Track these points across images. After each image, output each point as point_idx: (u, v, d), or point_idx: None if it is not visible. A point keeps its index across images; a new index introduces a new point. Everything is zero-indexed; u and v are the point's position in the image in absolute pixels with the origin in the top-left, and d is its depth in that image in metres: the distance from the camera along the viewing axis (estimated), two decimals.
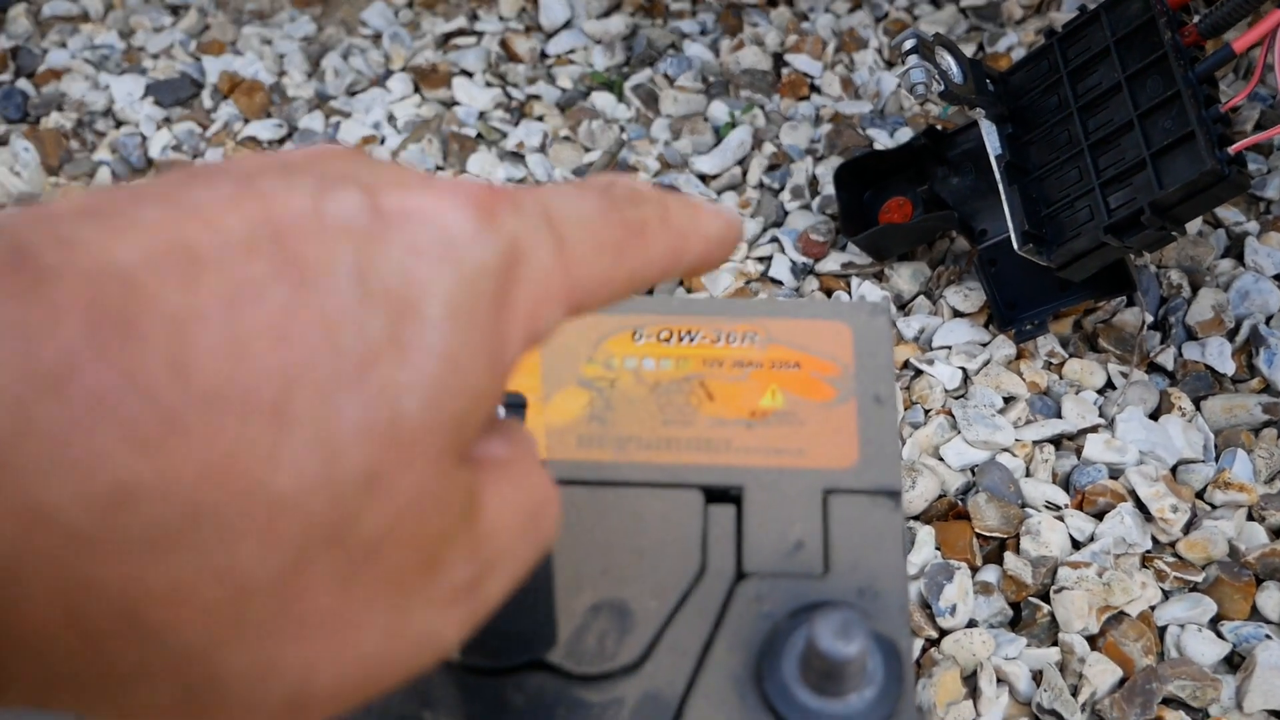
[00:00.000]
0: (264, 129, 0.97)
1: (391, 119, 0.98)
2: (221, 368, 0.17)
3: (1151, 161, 0.65)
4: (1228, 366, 0.76)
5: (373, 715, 0.33)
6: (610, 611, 0.34)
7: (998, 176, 0.70)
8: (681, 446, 0.37)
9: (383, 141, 0.96)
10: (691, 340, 0.40)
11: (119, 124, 0.99)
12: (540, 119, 0.97)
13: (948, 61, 0.69)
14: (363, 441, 0.18)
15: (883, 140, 0.91)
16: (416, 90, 1.00)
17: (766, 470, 0.37)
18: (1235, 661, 0.64)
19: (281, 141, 0.97)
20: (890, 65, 0.99)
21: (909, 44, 0.68)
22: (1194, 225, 0.83)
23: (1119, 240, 0.66)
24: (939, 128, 0.82)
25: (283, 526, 0.17)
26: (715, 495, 0.37)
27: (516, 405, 0.38)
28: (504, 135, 0.96)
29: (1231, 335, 0.77)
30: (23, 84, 1.02)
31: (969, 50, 0.96)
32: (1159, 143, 0.64)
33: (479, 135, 0.96)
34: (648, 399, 0.38)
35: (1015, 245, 0.68)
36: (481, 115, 0.98)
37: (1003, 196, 0.69)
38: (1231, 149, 0.62)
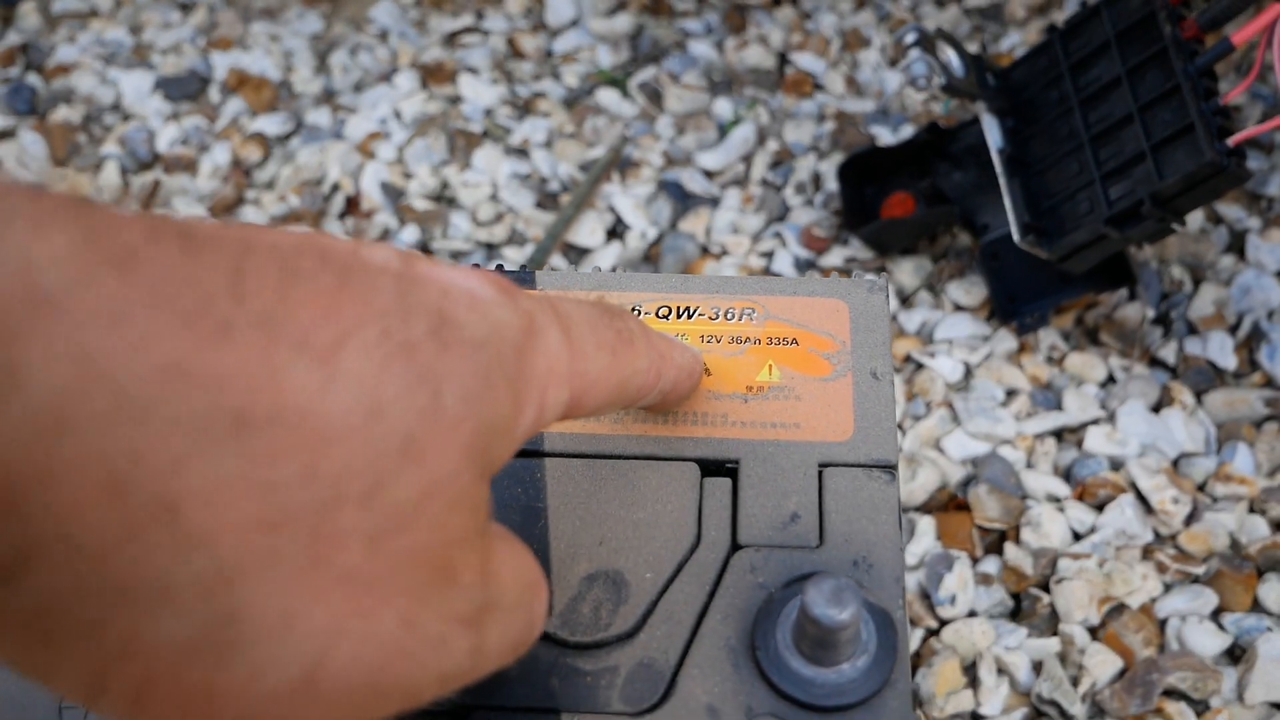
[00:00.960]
0: (271, 124, 0.97)
1: (398, 115, 0.98)
2: (274, 299, 0.18)
3: (1151, 154, 0.65)
4: (1229, 361, 0.76)
5: None
6: (606, 582, 0.34)
7: (998, 169, 0.70)
8: (678, 420, 0.38)
9: (389, 137, 0.96)
10: (690, 316, 0.40)
11: (127, 118, 0.99)
12: (545, 115, 0.97)
13: (949, 55, 0.70)
14: (404, 407, 0.19)
15: (886, 138, 0.91)
16: (423, 86, 1.01)
17: (762, 444, 0.37)
18: (1236, 654, 0.63)
19: (288, 137, 0.97)
20: (893, 64, 0.99)
21: (911, 37, 0.68)
22: (1196, 222, 0.83)
23: (1119, 232, 0.66)
24: (941, 124, 0.83)
25: (324, 459, 0.18)
26: (711, 468, 0.37)
27: None
28: (509, 131, 0.96)
29: (1233, 330, 0.78)
30: (32, 79, 1.03)
31: (972, 49, 0.97)
32: (1159, 135, 0.65)
33: (485, 131, 0.97)
34: None
35: (1015, 238, 0.69)
36: (487, 112, 0.98)
37: (1003, 189, 0.70)
38: (1231, 141, 0.62)
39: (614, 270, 0.42)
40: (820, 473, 0.36)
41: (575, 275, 0.42)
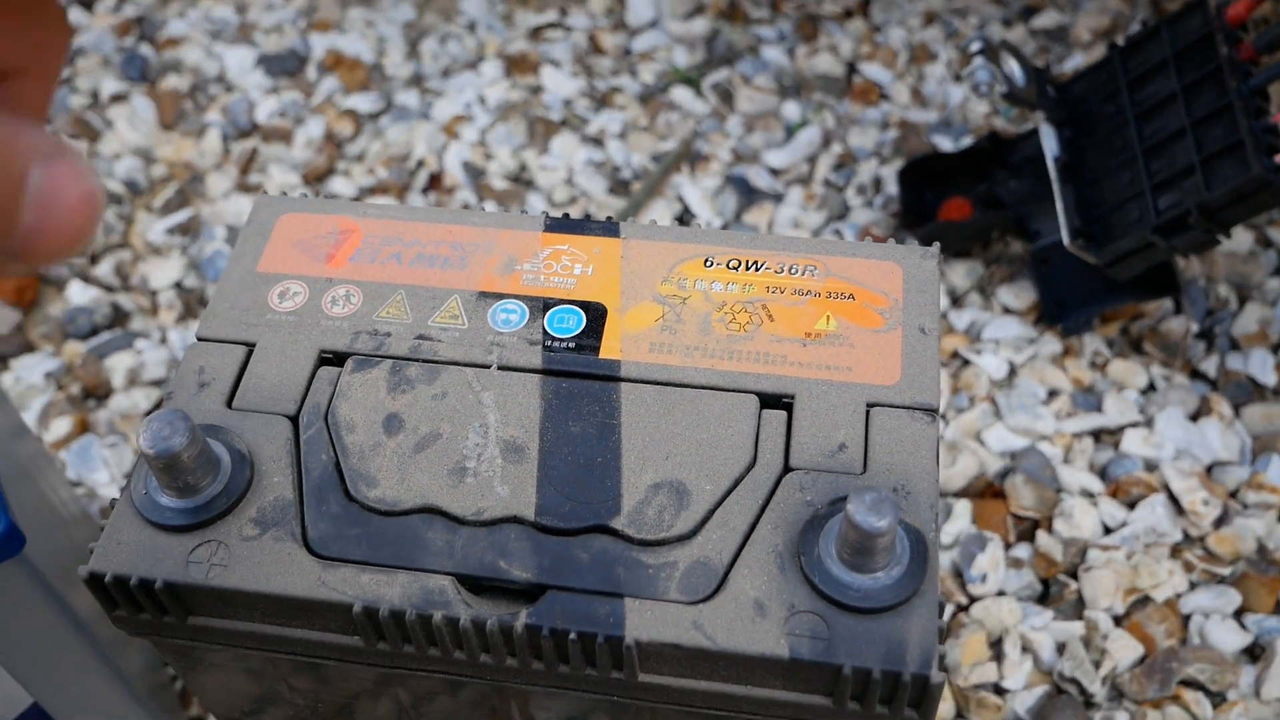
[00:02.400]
0: (363, 101, 1.03)
1: (482, 100, 1.03)
2: None
3: (1201, 167, 0.68)
4: (1270, 378, 0.78)
5: (453, 560, 0.38)
6: (670, 490, 0.39)
7: (1053, 176, 0.74)
8: (742, 358, 0.42)
9: (472, 120, 1.01)
10: (757, 269, 0.44)
11: (230, 89, 1.05)
12: (621, 109, 1.02)
13: (1011, 65, 0.73)
14: None
15: (946, 147, 0.95)
16: (507, 75, 1.06)
17: (817, 382, 0.41)
18: (1256, 653, 0.66)
19: (378, 115, 1.03)
20: (958, 78, 1.03)
21: (976, 45, 0.72)
22: (1245, 244, 0.86)
23: (1165, 240, 0.69)
24: (1001, 134, 0.86)
25: None
26: (769, 401, 0.41)
27: (597, 314, 0.43)
28: (586, 122, 1.01)
29: (1275, 349, 0.80)
30: (144, 49, 1.09)
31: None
32: (1209, 150, 0.68)
33: (563, 120, 1.01)
34: (714, 316, 0.43)
35: (1065, 241, 0.72)
36: (567, 102, 1.03)
37: (1056, 194, 0.73)
38: (1278, 158, 0.65)
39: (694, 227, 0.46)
40: (868, 411, 0.40)
41: (657, 228, 0.46)
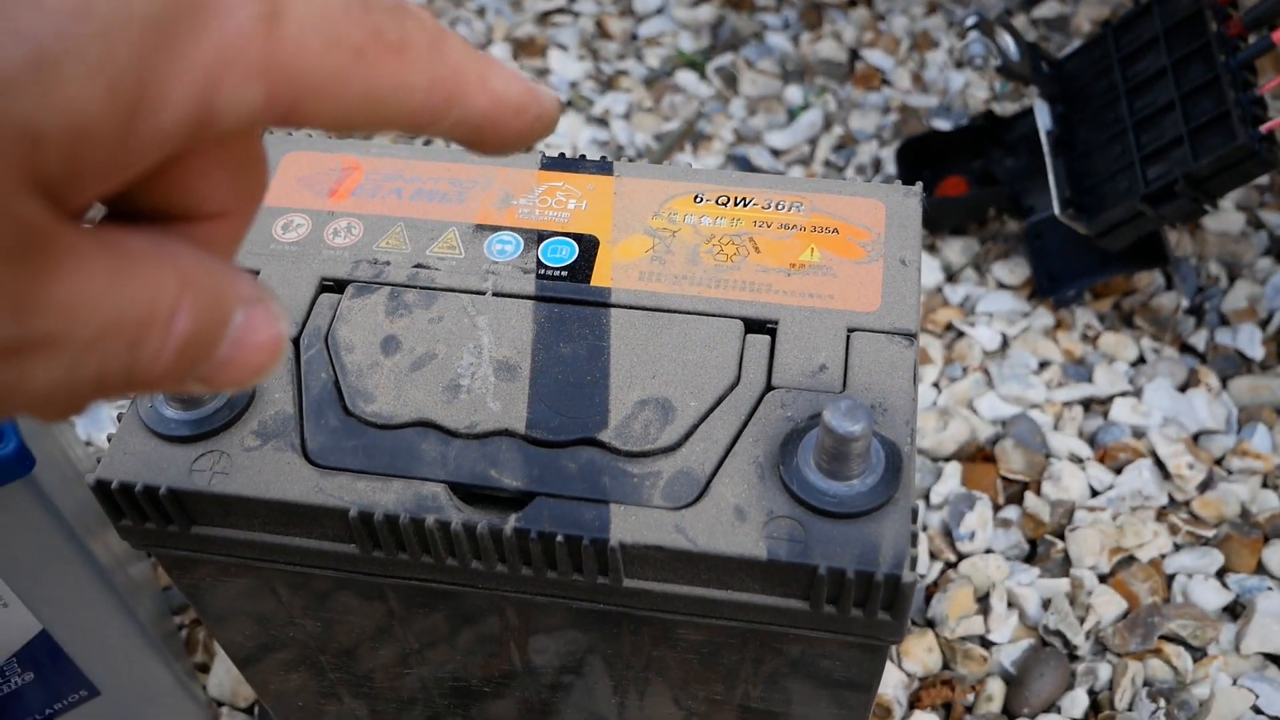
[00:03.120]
0: None
1: None
2: None
3: (1189, 138, 0.69)
4: (1257, 352, 0.79)
5: (446, 470, 0.39)
6: (656, 406, 0.40)
7: (1045, 149, 0.75)
8: (728, 286, 0.43)
9: None
10: (745, 205, 0.46)
11: None
12: (627, 91, 1.04)
13: (1006, 40, 0.75)
14: None
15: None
16: (514, 58, 1.08)
17: (800, 309, 0.42)
18: (1237, 611, 0.67)
19: None
20: (960, 65, 1.04)
21: (971, 20, 0.73)
22: (1237, 224, 0.87)
23: (1154, 210, 0.70)
24: (997, 113, 0.88)
25: None
26: (754, 326, 0.42)
27: (589, 245, 0.44)
28: (591, 103, 1.03)
29: (1264, 325, 0.81)
30: None
31: None
32: (1196, 121, 0.69)
33: (569, 101, 1.03)
34: (703, 247, 0.44)
35: (1056, 211, 0.73)
36: (573, 84, 1.05)
37: (1049, 166, 0.75)
38: (1263, 128, 0.66)
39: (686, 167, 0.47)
40: (848, 335, 0.42)
41: (649, 167, 0.48)
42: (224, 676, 0.66)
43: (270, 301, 0.21)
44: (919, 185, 0.46)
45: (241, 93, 0.18)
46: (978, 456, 0.74)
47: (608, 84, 1.05)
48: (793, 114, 1.01)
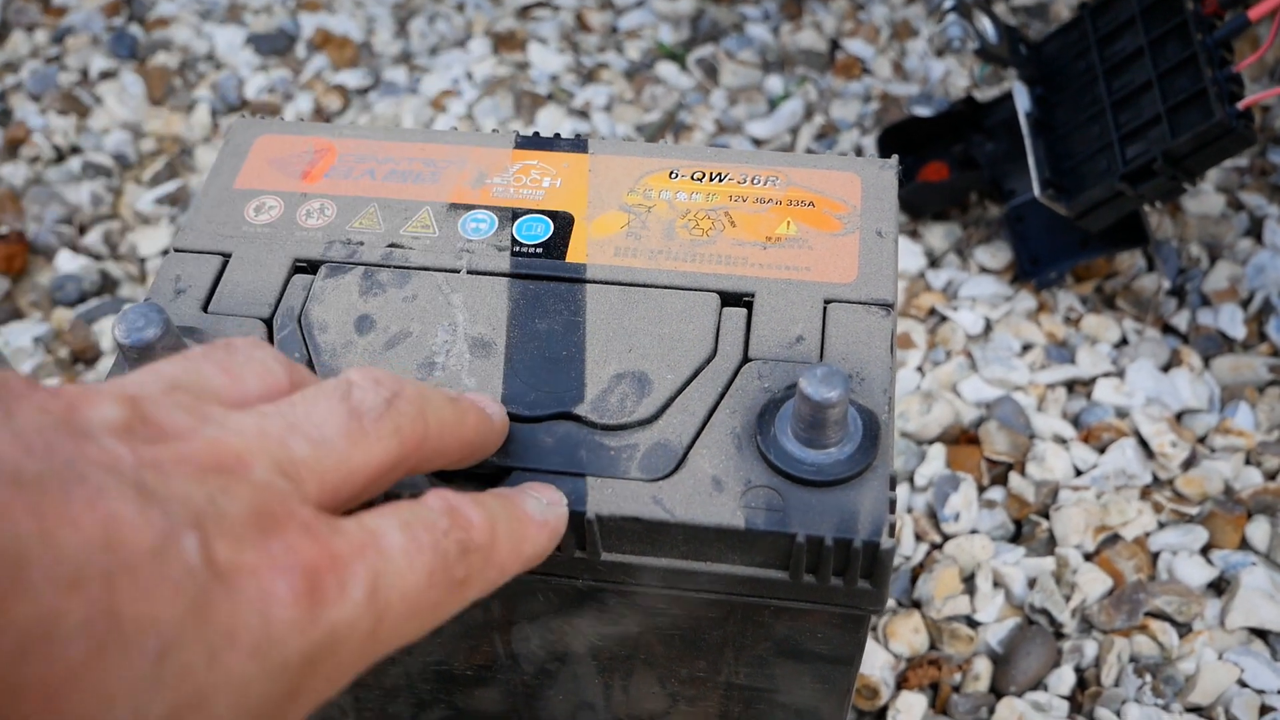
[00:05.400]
0: (352, 78, 1.05)
1: (469, 76, 1.05)
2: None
3: (1167, 116, 0.69)
4: (1239, 332, 0.80)
5: None
6: (632, 379, 0.40)
7: (1025, 131, 0.75)
8: (704, 260, 0.43)
9: (460, 95, 1.03)
10: (721, 180, 0.46)
11: (219, 67, 1.07)
12: (607, 83, 1.04)
13: (984, 23, 0.75)
14: None
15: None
16: (494, 52, 1.08)
17: (776, 281, 0.42)
18: (1221, 587, 0.67)
19: (366, 90, 1.05)
20: (940, 54, 1.04)
21: (950, 2, 0.73)
22: (1217, 206, 0.87)
23: (1133, 189, 0.70)
24: (976, 98, 0.88)
25: None
26: (730, 299, 0.42)
27: (564, 222, 0.44)
28: (572, 95, 1.03)
29: (1245, 305, 0.81)
30: (134, 29, 1.11)
31: None
32: (1174, 99, 0.69)
33: (549, 94, 1.03)
34: (679, 222, 0.44)
35: (1036, 192, 0.73)
36: (553, 77, 1.05)
37: (1028, 148, 0.75)
38: (1240, 105, 0.66)
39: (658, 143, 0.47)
40: (825, 306, 0.42)
41: (625, 144, 0.47)
42: None
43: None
44: (895, 158, 0.46)
45: (340, 686, 0.22)
46: (962, 439, 0.74)
47: (588, 76, 1.05)
48: (773, 104, 1.01)
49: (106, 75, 1.06)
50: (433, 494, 0.26)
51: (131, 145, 1.00)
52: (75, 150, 1.00)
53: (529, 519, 0.29)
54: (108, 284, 0.90)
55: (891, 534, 0.36)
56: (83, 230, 0.94)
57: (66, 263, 0.90)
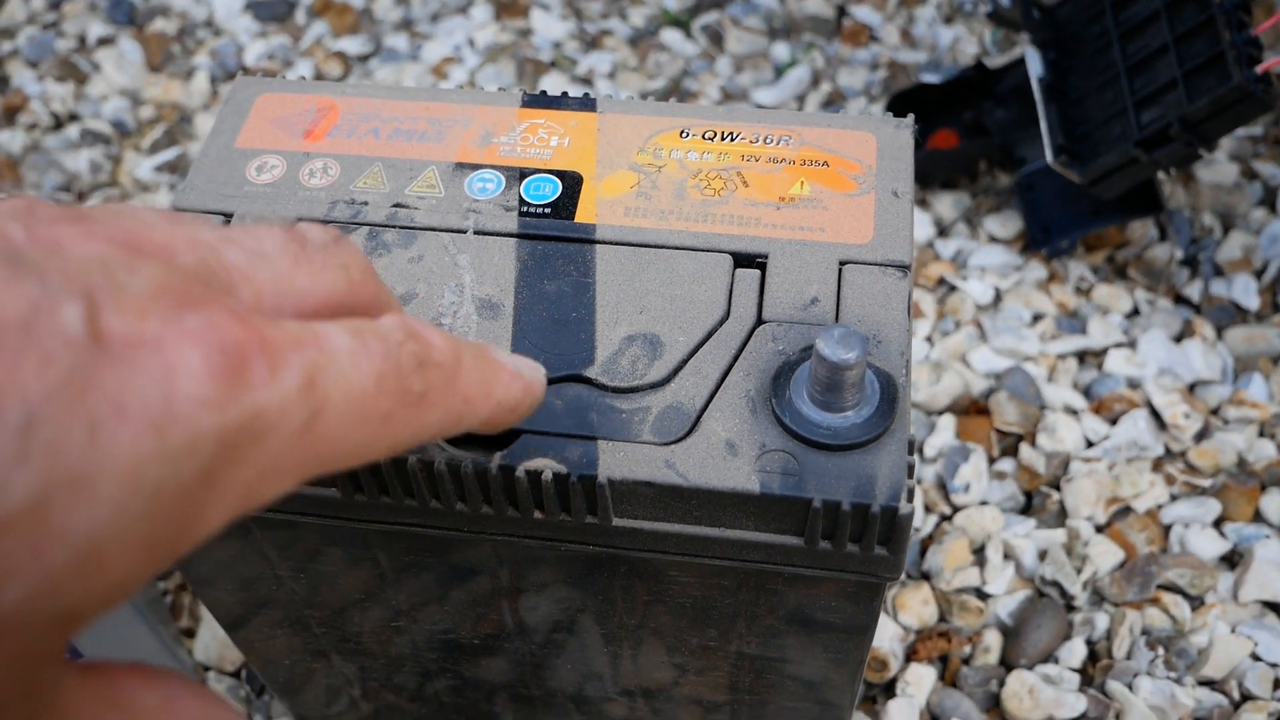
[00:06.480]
0: (352, 44, 1.03)
1: (471, 43, 1.04)
2: None
3: (1183, 80, 0.68)
4: (1252, 302, 0.79)
5: None
6: (643, 341, 0.39)
7: (1037, 96, 0.74)
8: (716, 220, 0.42)
9: (462, 62, 1.01)
10: (733, 139, 0.44)
11: (218, 34, 1.06)
12: (611, 50, 1.02)
13: None
14: None
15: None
16: (496, 19, 1.06)
17: (790, 242, 0.41)
18: (1234, 560, 0.66)
19: (367, 57, 1.03)
20: (949, 20, 1.03)
21: None
22: (1231, 175, 0.86)
23: (1148, 155, 0.69)
24: (987, 64, 0.86)
25: None
26: (743, 260, 0.41)
27: (572, 182, 0.43)
28: (575, 63, 1.01)
29: (1259, 275, 0.80)
30: None
31: None
32: (1191, 63, 0.68)
33: (553, 62, 1.02)
34: (690, 182, 0.43)
35: (1049, 158, 0.72)
36: (556, 44, 1.03)
37: (1040, 114, 0.73)
38: (1259, 69, 0.65)
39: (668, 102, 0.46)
40: (840, 268, 0.41)
41: (634, 103, 0.46)
42: (210, 641, 0.65)
43: None
44: (910, 117, 0.45)
45: (275, 489, 0.19)
46: (971, 410, 0.73)
47: (592, 43, 1.04)
48: (780, 71, 1.00)
49: (104, 42, 1.05)
50: (388, 315, 0.23)
51: (130, 112, 0.98)
52: (73, 117, 0.99)
53: (501, 365, 0.26)
54: None
55: (910, 499, 0.35)
56: (82, 198, 0.93)
57: None
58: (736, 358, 0.38)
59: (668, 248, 0.41)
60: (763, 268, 0.41)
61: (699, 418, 0.37)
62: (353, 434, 0.20)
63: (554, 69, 1.01)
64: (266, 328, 0.19)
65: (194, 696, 0.20)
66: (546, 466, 0.36)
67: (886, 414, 0.36)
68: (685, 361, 0.38)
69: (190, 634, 0.66)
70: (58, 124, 0.98)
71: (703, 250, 0.41)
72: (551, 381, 0.38)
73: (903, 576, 0.65)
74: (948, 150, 0.83)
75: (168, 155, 0.94)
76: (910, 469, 0.36)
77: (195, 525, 0.18)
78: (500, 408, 0.25)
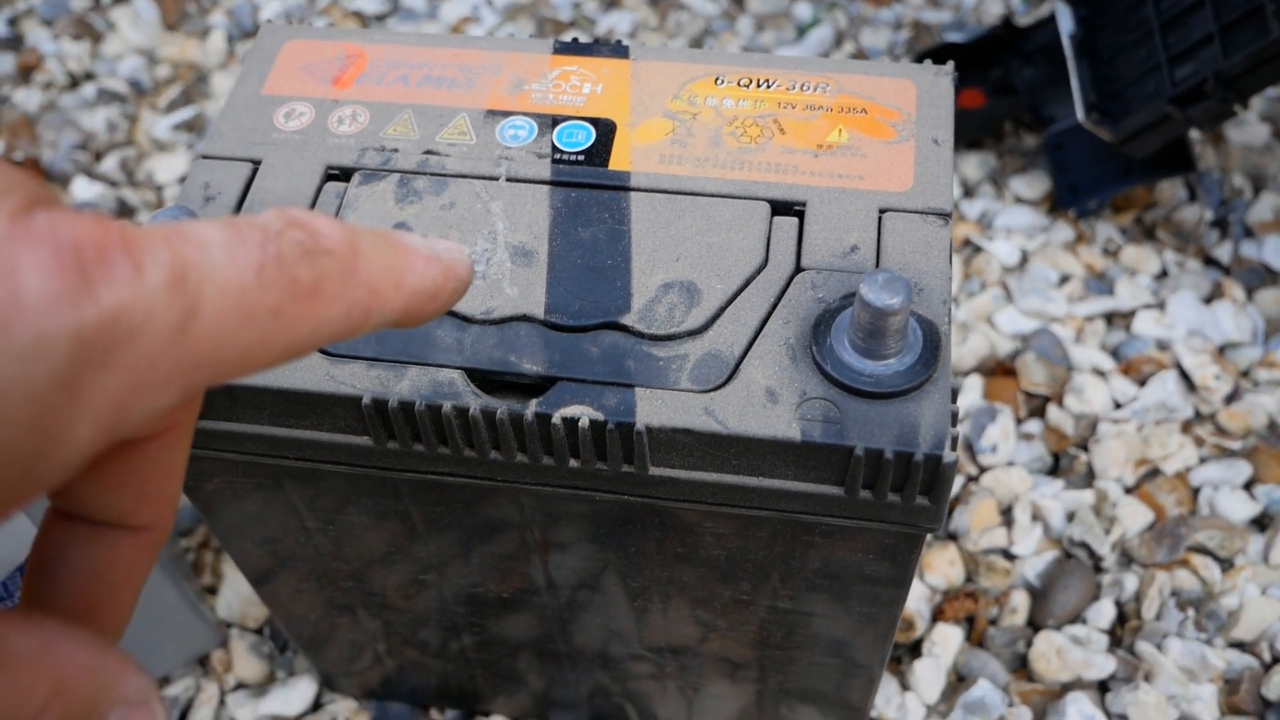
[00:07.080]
0: (370, 3, 1.02)
1: (489, 1, 1.02)
2: None
3: (1219, 35, 0.67)
4: None
5: (462, 356, 0.37)
6: (680, 289, 0.38)
7: (1068, 53, 0.73)
8: (753, 168, 0.41)
9: (480, 21, 1.00)
10: (769, 87, 0.44)
11: None
12: (631, 10, 1.01)
13: None
14: None
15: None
16: None
17: (829, 190, 0.40)
18: (1264, 523, 0.66)
19: (384, 17, 1.02)
20: None
21: None
22: (1261, 137, 0.85)
23: (1182, 112, 0.68)
24: (1015, 23, 0.85)
25: None
26: (781, 209, 0.40)
27: (606, 129, 0.42)
28: (594, 22, 1.00)
29: None
30: None
31: None
32: (1227, 18, 0.67)
33: (572, 21, 1.00)
34: (725, 130, 0.42)
35: (1080, 116, 0.71)
36: (576, 4, 1.02)
37: (1071, 71, 0.72)
38: None
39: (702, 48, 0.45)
40: (880, 215, 0.40)
41: (667, 50, 0.45)
42: (233, 598, 0.65)
43: (154, 701, 0.21)
44: (950, 64, 0.44)
45: (154, 400, 0.18)
46: (998, 371, 0.73)
47: (611, 3, 1.02)
48: (802, 31, 0.98)
49: (119, 0, 1.04)
50: (271, 209, 0.22)
51: (146, 71, 0.98)
52: (89, 76, 0.98)
53: (411, 249, 0.23)
54: (125, 211, 0.88)
55: (954, 448, 0.35)
56: (98, 157, 0.92)
57: (83, 189, 0.88)
58: (775, 305, 0.38)
59: (704, 195, 0.41)
60: (801, 215, 0.40)
61: (738, 365, 0.37)
62: (238, 334, 0.19)
63: (573, 28, 1.00)
64: (125, 228, 0.18)
65: (80, 645, 0.19)
66: (583, 413, 0.36)
67: (930, 362, 0.36)
68: (723, 309, 0.38)
69: (213, 590, 0.66)
70: (73, 83, 0.98)
71: (739, 198, 0.41)
72: (588, 329, 0.38)
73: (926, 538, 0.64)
74: (974, 110, 0.82)
75: (185, 114, 0.94)
76: (954, 417, 0.35)
77: (62, 440, 0.17)
78: (418, 295, 0.23)
